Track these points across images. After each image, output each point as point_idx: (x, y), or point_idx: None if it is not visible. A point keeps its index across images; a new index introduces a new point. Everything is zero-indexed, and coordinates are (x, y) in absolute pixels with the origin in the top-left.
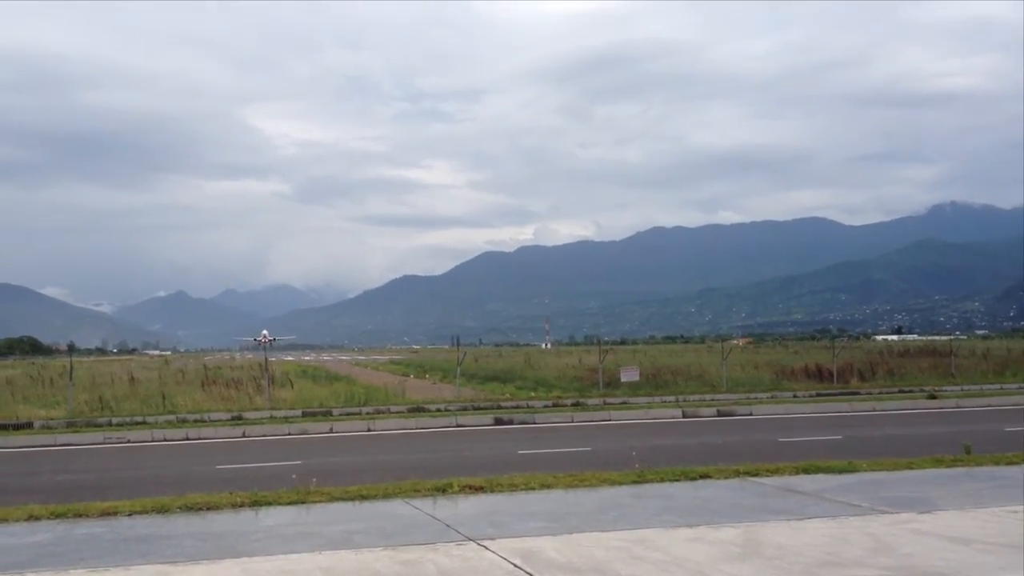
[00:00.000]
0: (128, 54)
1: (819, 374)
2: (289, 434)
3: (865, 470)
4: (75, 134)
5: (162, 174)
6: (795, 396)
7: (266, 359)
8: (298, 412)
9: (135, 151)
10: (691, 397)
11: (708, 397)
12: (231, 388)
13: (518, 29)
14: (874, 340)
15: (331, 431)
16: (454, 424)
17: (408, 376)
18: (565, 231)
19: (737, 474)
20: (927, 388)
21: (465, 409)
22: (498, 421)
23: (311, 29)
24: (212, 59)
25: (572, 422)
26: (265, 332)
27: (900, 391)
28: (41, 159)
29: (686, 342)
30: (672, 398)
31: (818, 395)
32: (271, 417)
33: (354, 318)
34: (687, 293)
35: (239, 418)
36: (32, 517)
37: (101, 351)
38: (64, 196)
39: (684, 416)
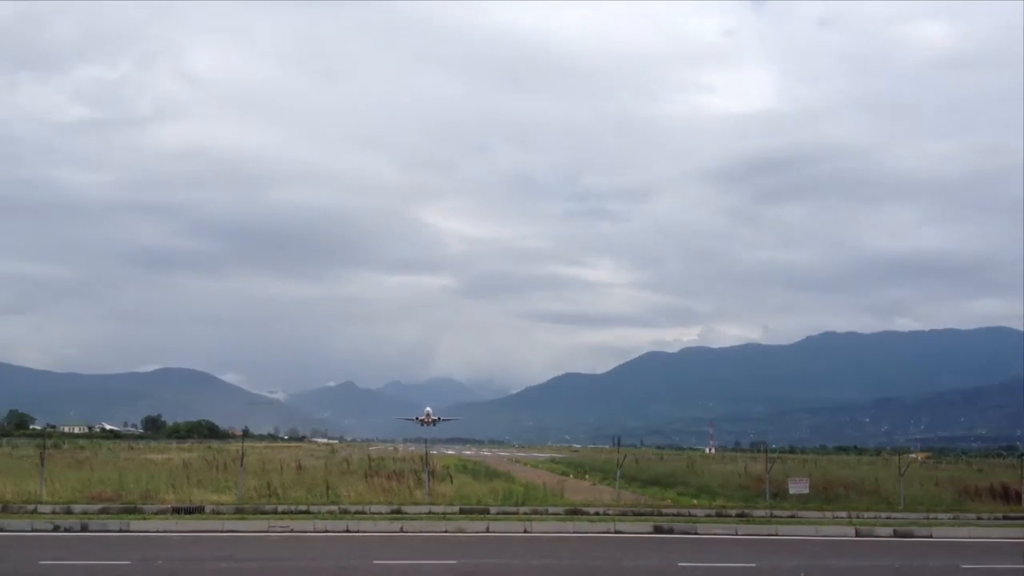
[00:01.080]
0: (314, 153)
1: (1005, 495)
2: (446, 531)
3: None
4: (260, 228)
5: (338, 268)
6: (979, 518)
7: (427, 452)
8: (456, 508)
9: (315, 245)
10: (865, 514)
11: (884, 515)
12: (392, 480)
13: (686, 131)
14: None
15: (487, 530)
16: (612, 530)
17: (567, 476)
18: (731, 333)
19: None
20: None
21: (624, 514)
22: (658, 529)
23: (484, 131)
24: (390, 158)
25: (736, 534)
26: (429, 410)
27: None
28: (228, 252)
29: (859, 453)
30: (844, 514)
31: (1005, 518)
32: (429, 513)
33: (515, 414)
34: (861, 402)
35: (398, 512)
36: None
37: (273, 437)
38: (247, 287)
39: (857, 535)
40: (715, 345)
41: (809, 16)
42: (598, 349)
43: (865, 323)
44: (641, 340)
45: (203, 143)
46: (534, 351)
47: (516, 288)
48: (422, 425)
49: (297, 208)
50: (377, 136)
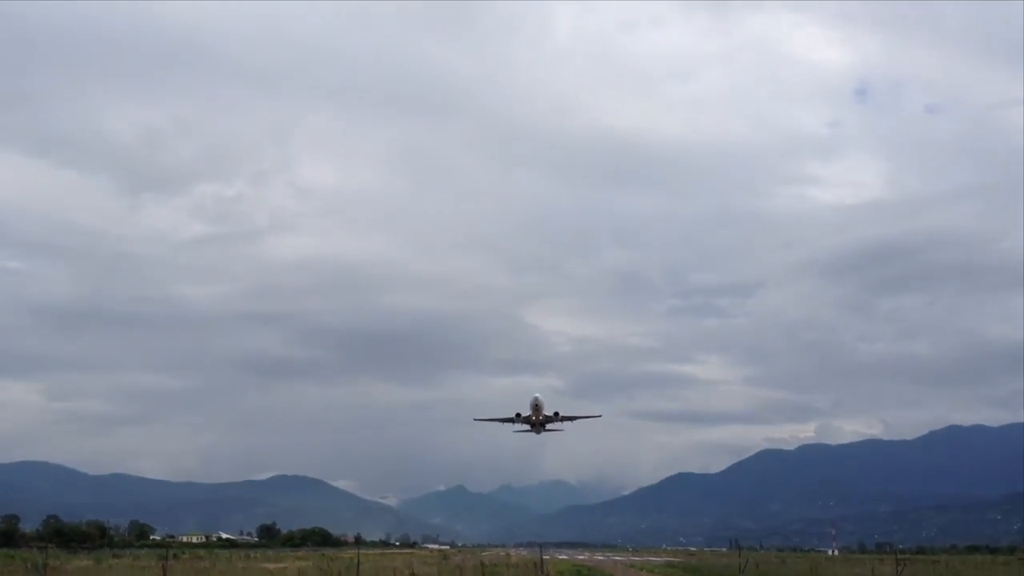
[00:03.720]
0: (422, 259)
1: None
2: None
3: None
4: (371, 334)
5: (447, 371)
6: None
7: (541, 558)
8: None
9: (423, 350)
10: None
11: None
12: None
13: (793, 224)
14: None
15: None
16: None
17: None
18: (850, 429)
19: None
20: None
21: None
22: None
23: (588, 230)
24: (496, 262)
25: None
26: (538, 397)
27: None
28: (340, 359)
29: (992, 553)
30: None
31: None
32: None
33: (628, 516)
34: (991, 498)
35: None
36: None
37: (385, 543)
38: (359, 394)
39: None
40: (833, 442)
41: (915, 103)
42: (711, 448)
43: (992, 415)
44: (755, 437)
45: (315, 253)
46: (645, 451)
47: (625, 387)
48: (530, 428)
49: (406, 314)
50: (483, 240)
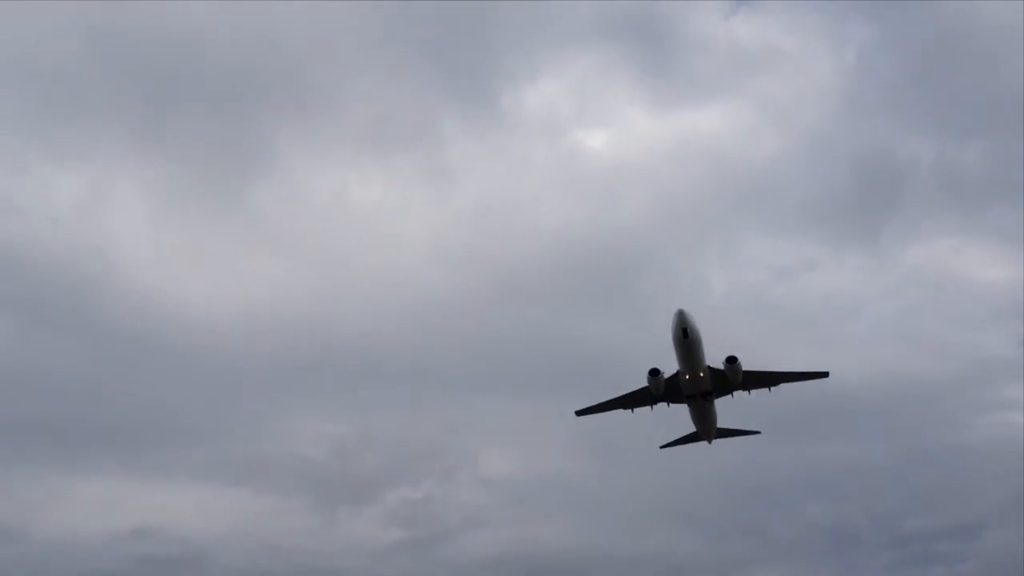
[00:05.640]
0: (616, 540)
1: None
2: None
3: None
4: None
5: None
6: None
7: None
8: None
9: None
10: None
11: None
12: None
13: (1001, 453)
14: None
15: None
16: None
17: None
18: None
19: None
20: None
21: None
22: None
23: (784, 488)
24: (694, 533)
25: None
26: (683, 310)
27: None
28: None
29: None
30: None
31: None
32: None
33: None
34: None
35: None
36: None
37: None
38: None
39: None
40: None
41: None
42: None
43: None
44: None
45: (510, 548)
46: None
47: None
48: (689, 410)
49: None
50: (675, 510)
